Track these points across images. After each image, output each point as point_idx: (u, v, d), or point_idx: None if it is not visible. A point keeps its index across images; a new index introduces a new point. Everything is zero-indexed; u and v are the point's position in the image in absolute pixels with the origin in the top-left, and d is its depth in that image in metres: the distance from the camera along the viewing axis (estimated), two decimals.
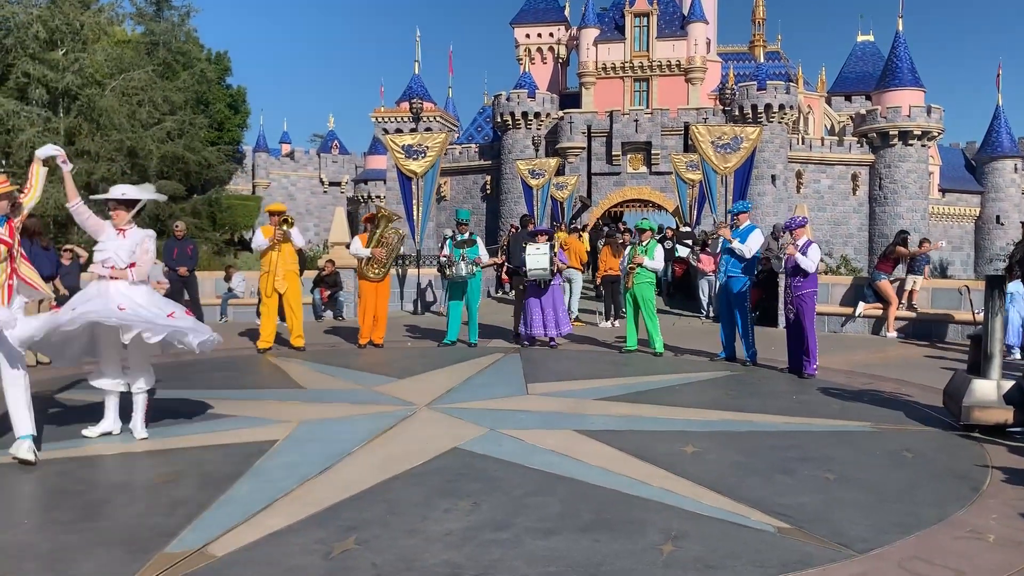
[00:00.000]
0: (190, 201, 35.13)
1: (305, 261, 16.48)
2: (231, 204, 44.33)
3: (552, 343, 11.46)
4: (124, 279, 5.98)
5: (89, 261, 14.59)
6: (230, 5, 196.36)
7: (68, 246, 15.23)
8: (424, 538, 4.15)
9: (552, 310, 11.37)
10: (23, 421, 5.49)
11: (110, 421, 6.19)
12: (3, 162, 20.57)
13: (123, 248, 6.03)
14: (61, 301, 13.83)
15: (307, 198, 65.05)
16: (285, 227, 10.90)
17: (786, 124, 49.17)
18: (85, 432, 6.13)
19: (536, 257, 11.16)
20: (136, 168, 29.88)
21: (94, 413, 6.76)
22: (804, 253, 9.17)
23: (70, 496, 4.78)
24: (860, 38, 64.85)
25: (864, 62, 62.87)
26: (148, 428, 6.27)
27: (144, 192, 6.34)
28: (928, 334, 13.07)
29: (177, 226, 14.49)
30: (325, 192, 65.77)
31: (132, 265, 6.01)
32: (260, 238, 11.07)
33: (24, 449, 5.39)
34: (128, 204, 6.20)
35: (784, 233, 12.79)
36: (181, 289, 13.84)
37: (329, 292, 15.60)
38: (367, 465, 5.44)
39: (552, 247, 11.31)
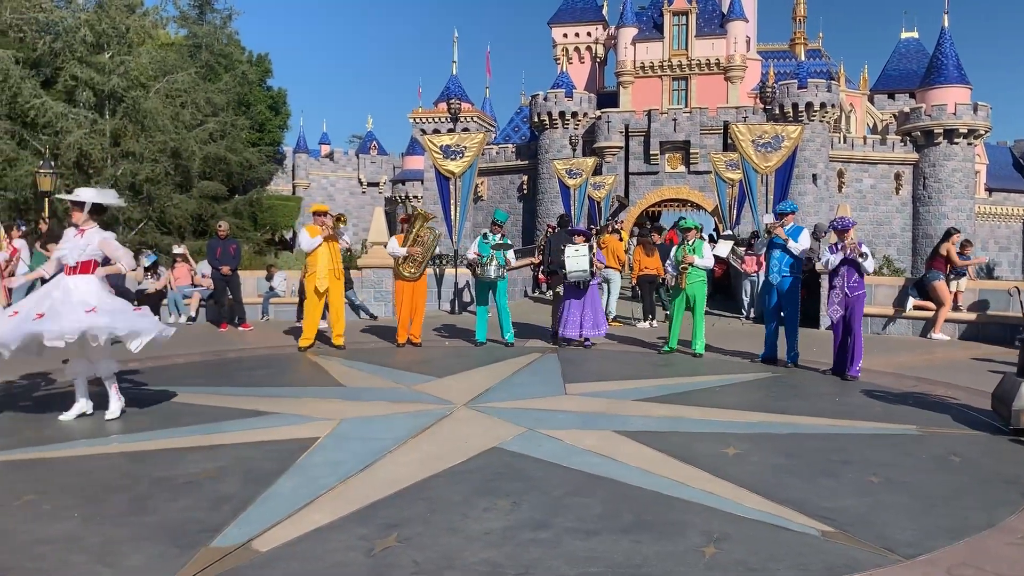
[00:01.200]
0: (232, 201, 35.60)
1: (351, 261, 16.67)
2: (272, 204, 44.87)
3: (587, 343, 11.35)
4: (78, 274, 6.63)
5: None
6: (270, 8, 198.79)
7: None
8: (464, 536, 4.17)
9: (591, 311, 11.25)
10: None
11: (83, 403, 6.76)
12: (52, 163, 21.02)
13: (76, 247, 6.65)
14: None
15: (346, 198, 65.56)
16: (340, 225, 11.03)
17: (827, 123, 48.44)
18: (62, 417, 6.68)
19: (575, 259, 11.04)
20: (179, 169, 30.36)
21: (140, 403, 6.91)
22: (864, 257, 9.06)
23: (117, 490, 4.87)
24: (904, 35, 63.67)
25: (908, 59, 61.71)
26: (193, 426, 6.46)
27: (103, 196, 6.96)
28: (976, 336, 12.80)
29: (220, 226, 14.69)
30: (364, 192, 66.28)
31: (88, 263, 6.66)
32: (308, 237, 11.16)
33: None
34: (81, 205, 6.76)
35: (826, 233, 12.57)
36: (224, 288, 14.05)
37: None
38: (407, 463, 5.47)
39: (591, 248, 11.22)
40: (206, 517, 4.41)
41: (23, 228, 13.90)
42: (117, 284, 14.44)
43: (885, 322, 13.75)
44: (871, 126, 57.47)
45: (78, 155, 26.83)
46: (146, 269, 15.14)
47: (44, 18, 28.06)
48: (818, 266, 14.01)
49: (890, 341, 12.84)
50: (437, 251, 17.15)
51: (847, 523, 4.39)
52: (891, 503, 4.77)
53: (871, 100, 59.48)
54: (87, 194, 6.86)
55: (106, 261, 6.83)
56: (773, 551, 4.00)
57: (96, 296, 6.56)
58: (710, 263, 10.91)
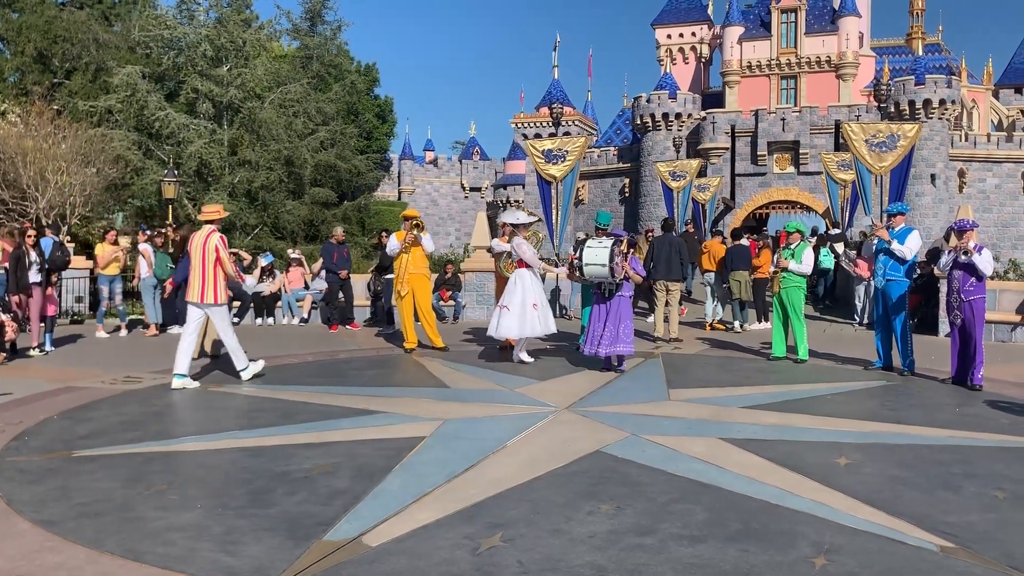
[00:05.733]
0: (341, 207, 36.61)
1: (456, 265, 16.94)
2: (379, 210, 45.92)
3: (620, 366, 9.71)
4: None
5: (252, 264, 15.48)
6: (378, 18, 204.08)
7: (232, 250, 16.27)
8: (569, 539, 4.19)
9: (614, 325, 9.49)
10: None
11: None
12: (176, 172, 22.17)
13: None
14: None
15: (449, 203, 66.60)
16: (416, 231, 11.17)
17: (947, 120, 46.11)
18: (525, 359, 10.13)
19: (595, 251, 9.34)
20: (292, 176, 31.49)
21: (259, 401, 7.23)
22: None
23: (238, 483, 5.12)
24: None
25: None
26: (308, 423, 6.75)
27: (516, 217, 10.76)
28: None
29: (339, 231, 15.24)
30: (466, 197, 67.13)
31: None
32: (393, 242, 11.41)
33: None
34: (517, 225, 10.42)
35: (947, 237, 11.97)
36: (338, 290, 14.53)
37: (450, 293, 15.99)
38: (511, 464, 5.54)
39: (617, 245, 9.38)
40: (320, 511, 4.59)
41: (147, 232, 14.75)
42: (235, 286, 15.15)
43: (1011, 329, 13.02)
44: (996, 123, 54.39)
45: (199, 164, 28.19)
46: (262, 270, 15.78)
47: (169, 35, 29.66)
48: (936, 271, 13.41)
49: (1016, 349, 12.15)
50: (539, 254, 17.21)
51: (969, 539, 4.20)
52: (1018, 520, 4.53)
53: (996, 95, 56.26)
54: (521, 217, 10.65)
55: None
56: (888, 565, 3.86)
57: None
58: (807, 270, 10.57)
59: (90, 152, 24.15)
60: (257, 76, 30.12)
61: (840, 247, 15.43)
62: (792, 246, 10.57)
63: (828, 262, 18.58)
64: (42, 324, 11.28)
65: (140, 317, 14.58)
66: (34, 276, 10.91)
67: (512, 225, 10.55)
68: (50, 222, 19.84)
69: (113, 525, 4.38)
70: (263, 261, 15.97)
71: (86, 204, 24.06)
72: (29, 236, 11.13)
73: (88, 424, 6.81)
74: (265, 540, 4.17)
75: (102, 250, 13.58)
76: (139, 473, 5.35)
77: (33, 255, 11.00)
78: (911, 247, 9.40)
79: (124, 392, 8.23)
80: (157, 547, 4.06)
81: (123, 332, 13.42)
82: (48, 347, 11.31)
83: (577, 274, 10.06)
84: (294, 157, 30.79)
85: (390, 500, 4.76)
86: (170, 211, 20.73)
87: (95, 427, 6.70)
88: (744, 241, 15.18)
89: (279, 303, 15.53)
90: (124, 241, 14.67)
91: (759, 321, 14.64)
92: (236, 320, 15.09)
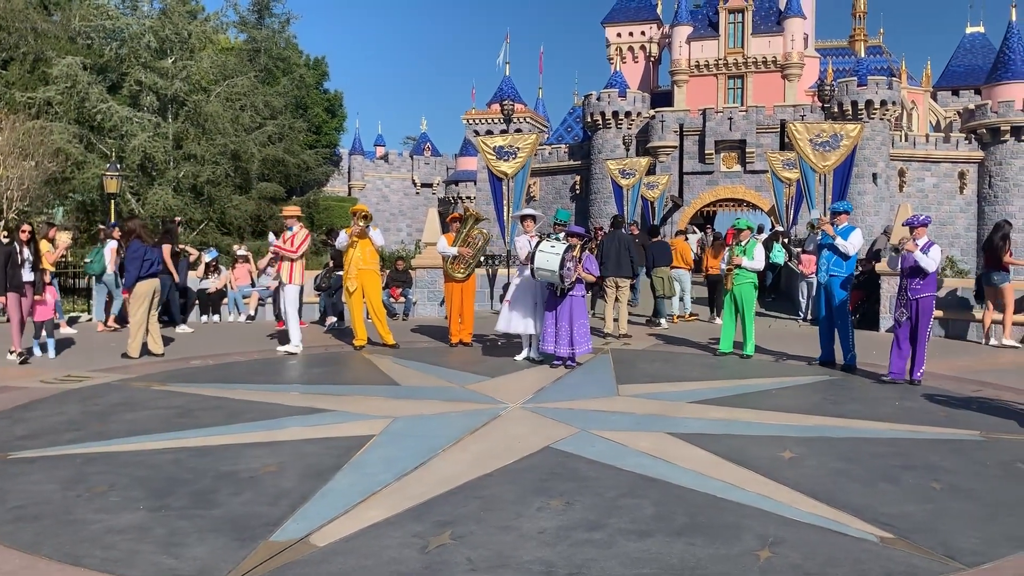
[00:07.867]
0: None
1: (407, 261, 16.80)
2: (328, 205, 45.48)
3: (570, 363, 9.70)
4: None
5: (198, 260, 15.20)
6: (327, 12, 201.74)
7: (179, 246, 15.94)
8: (518, 535, 4.20)
9: (567, 323, 9.54)
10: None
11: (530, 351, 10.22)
12: (119, 165, 21.63)
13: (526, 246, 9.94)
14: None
15: (400, 199, 66.21)
16: (363, 222, 11.01)
17: (888, 120, 47.32)
18: (518, 358, 10.20)
19: (546, 255, 9.27)
20: (239, 171, 30.94)
21: (204, 400, 7.10)
22: (925, 253, 8.77)
23: (183, 484, 5.03)
24: (969, 29, 61.82)
25: (973, 54, 59.91)
26: (254, 422, 6.64)
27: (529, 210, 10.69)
28: None
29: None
30: (417, 193, 66.80)
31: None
32: (343, 237, 11.29)
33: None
34: (533, 218, 10.41)
35: (886, 233, 12.26)
36: None
37: (400, 291, 15.89)
38: (461, 461, 5.53)
39: (570, 248, 9.45)
40: (266, 511, 4.52)
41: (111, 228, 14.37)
42: (180, 283, 14.86)
43: (946, 325, 13.39)
44: (934, 124, 55.98)
45: (142, 158, 27.54)
46: (206, 266, 15.48)
47: (111, 25, 28.89)
48: (878, 266, 13.77)
49: (952, 344, 12.51)
50: (489, 251, 17.21)
51: (907, 530, 4.31)
52: (954, 510, 4.67)
53: (934, 97, 57.92)
54: (532, 212, 10.53)
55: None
56: (830, 556, 3.95)
57: None
58: (759, 266, 10.74)
59: (28, 145, 23.45)
60: (203, 69, 29.55)
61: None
62: (743, 243, 10.71)
63: (779, 257, 18.97)
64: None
65: (77, 315, 14.23)
66: (27, 275, 10.35)
67: (525, 218, 10.50)
68: None
69: (51, 528, 4.26)
70: (207, 257, 15.67)
71: (24, 198, 23.37)
72: (23, 232, 10.53)
73: (26, 424, 6.62)
74: (209, 541, 4.10)
75: (45, 247, 13.18)
76: (79, 474, 5.21)
77: (27, 252, 10.39)
78: (854, 244, 9.66)
79: (64, 391, 8.01)
80: (97, 550, 3.96)
81: (64, 329, 13.04)
82: (51, 351, 10.71)
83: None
84: (241, 151, 30.28)
85: (338, 499, 4.72)
86: (112, 206, 20.24)
87: (33, 427, 6.51)
88: (691, 237, 15.44)
89: (225, 300, 15.27)
90: (65, 236, 14.25)
91: (712, 315, 14.90)
92: (182, 317, 14.82)
